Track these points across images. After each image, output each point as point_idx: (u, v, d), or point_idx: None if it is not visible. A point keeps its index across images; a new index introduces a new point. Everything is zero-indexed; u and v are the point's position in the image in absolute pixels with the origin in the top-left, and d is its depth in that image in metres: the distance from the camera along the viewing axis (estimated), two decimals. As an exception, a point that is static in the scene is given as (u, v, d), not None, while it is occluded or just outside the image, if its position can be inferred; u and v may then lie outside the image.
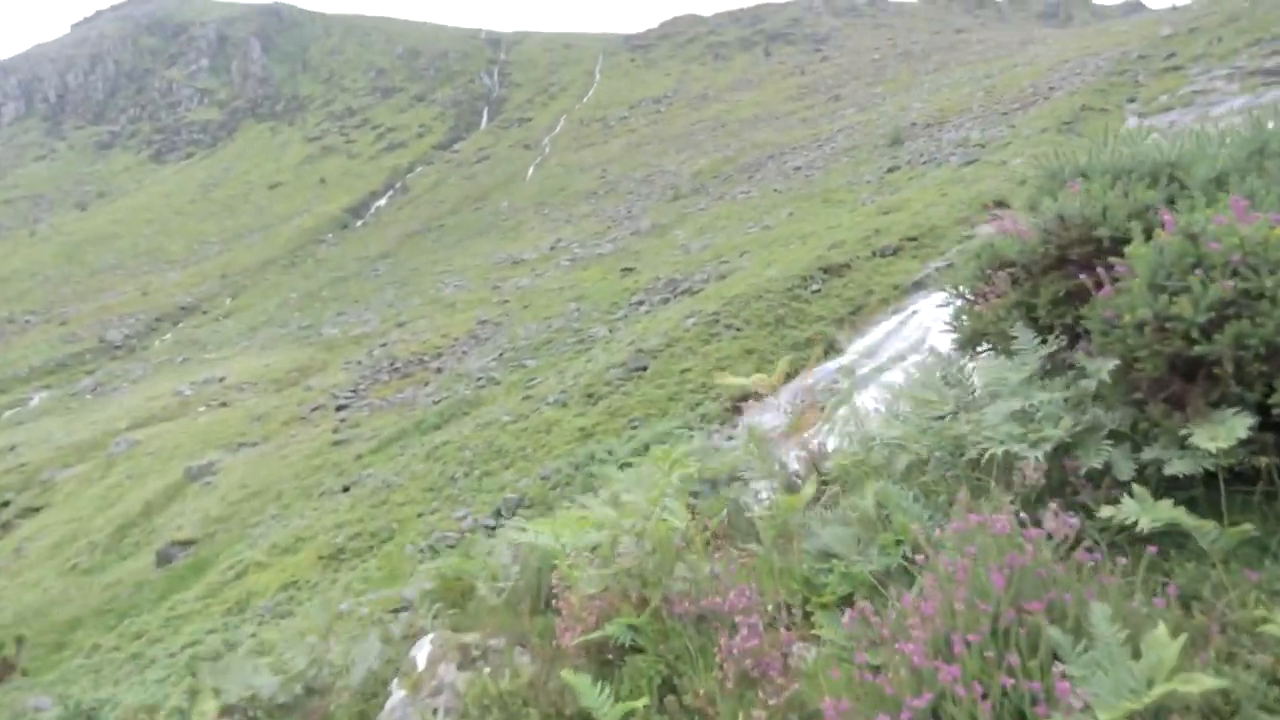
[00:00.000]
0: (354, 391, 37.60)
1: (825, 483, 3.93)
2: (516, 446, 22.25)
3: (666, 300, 33.54)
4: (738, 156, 65.76)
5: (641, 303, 34.84)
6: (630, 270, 41.99)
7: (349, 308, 58.62)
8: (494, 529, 18.13)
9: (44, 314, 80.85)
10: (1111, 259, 2.66)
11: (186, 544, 24.61)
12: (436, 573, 4.86)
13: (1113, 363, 2.51)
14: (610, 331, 32.05)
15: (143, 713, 14.55)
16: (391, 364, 39.71)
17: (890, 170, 43.48)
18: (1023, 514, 2.25)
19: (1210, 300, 2.30)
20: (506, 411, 25.25)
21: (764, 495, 4.40)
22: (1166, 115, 34.17)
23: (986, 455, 2.55)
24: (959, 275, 3.69)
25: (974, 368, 3.41)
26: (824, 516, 2.98)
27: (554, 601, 3.32)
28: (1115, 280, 2.63)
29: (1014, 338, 3.07)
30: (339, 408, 35.93)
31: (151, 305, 77.49)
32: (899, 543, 2.62)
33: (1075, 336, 2.94)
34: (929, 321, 20.70)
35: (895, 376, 17.10)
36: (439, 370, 36.86)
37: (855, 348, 21.26)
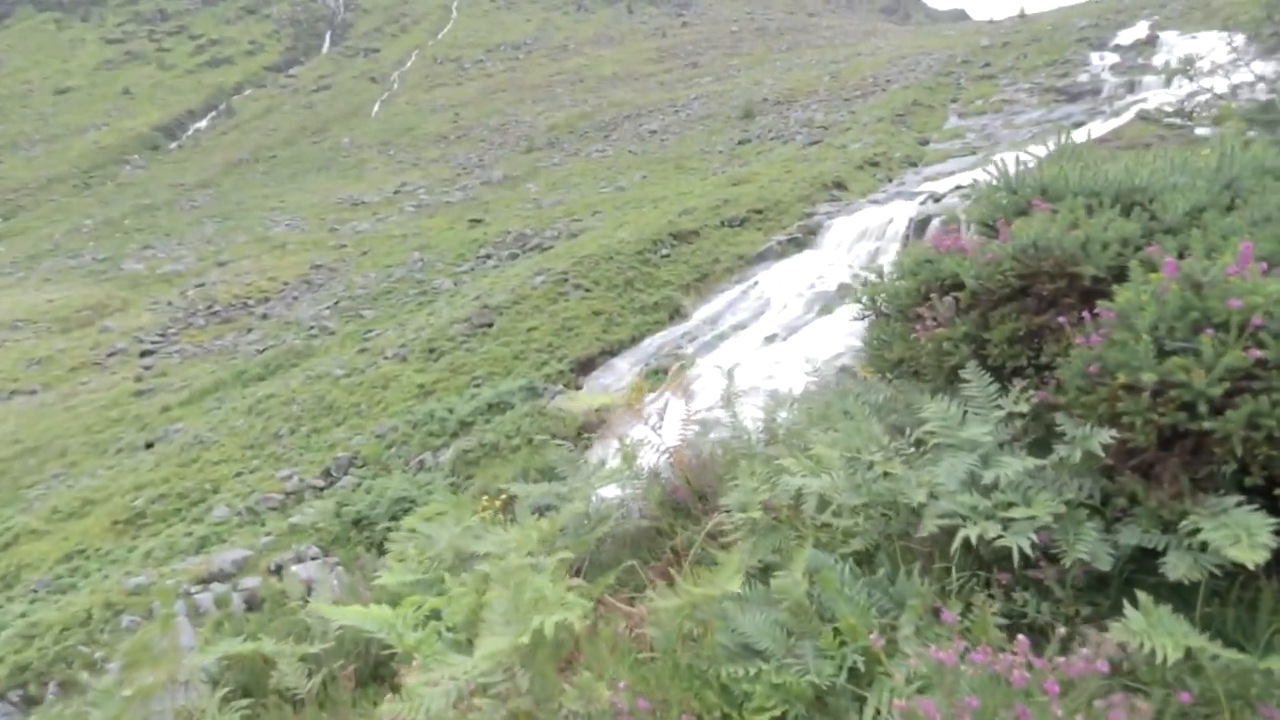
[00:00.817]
0: (162, 335, 33.80)
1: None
2: (350, 402, 21.07)
3: (515, 256, 32.83)
4: (595, 113, 65.05)
5: (489, 256, 33.87)
6: (479, 221, 40.62)
7: (158, 241, 52.23)
8: (324, 490, 17.17)
9: None
10: (1097, 301, 2.22)
11: (-59, 506, 21.18)
12: (226, 655, 3.66)
13: (1107, 434, 2.04)
14: (455, 285, 30.95)
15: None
16: (209, 307, 36.02)
17: (741, 143, 44.87)
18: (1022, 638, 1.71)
19: (1224, 369, 1.93)
20: (340, 364, 23.79)
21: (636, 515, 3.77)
22: (981, 118, 37.79)
23: (959, 539, 2.05)
24: (885, 290, 3.05)
25: (904, 401, 2.85)
26: (742, 597, 2.28)
27: (393, 679, 2.68)
28: (1099, 328, 2.19)
29: (959, 376, 2.54)
30: (143, 353, 32.19)
31: (-105, 223, 64.90)
32: (843, 644, 2.04)
33: (1026, 380, 2.49)
34: (769, 292, 21.81)
35: (773, 384, 17.31)
36: (265, 316, 33.95)
37: (700, 314, 22.00)
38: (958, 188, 24.37)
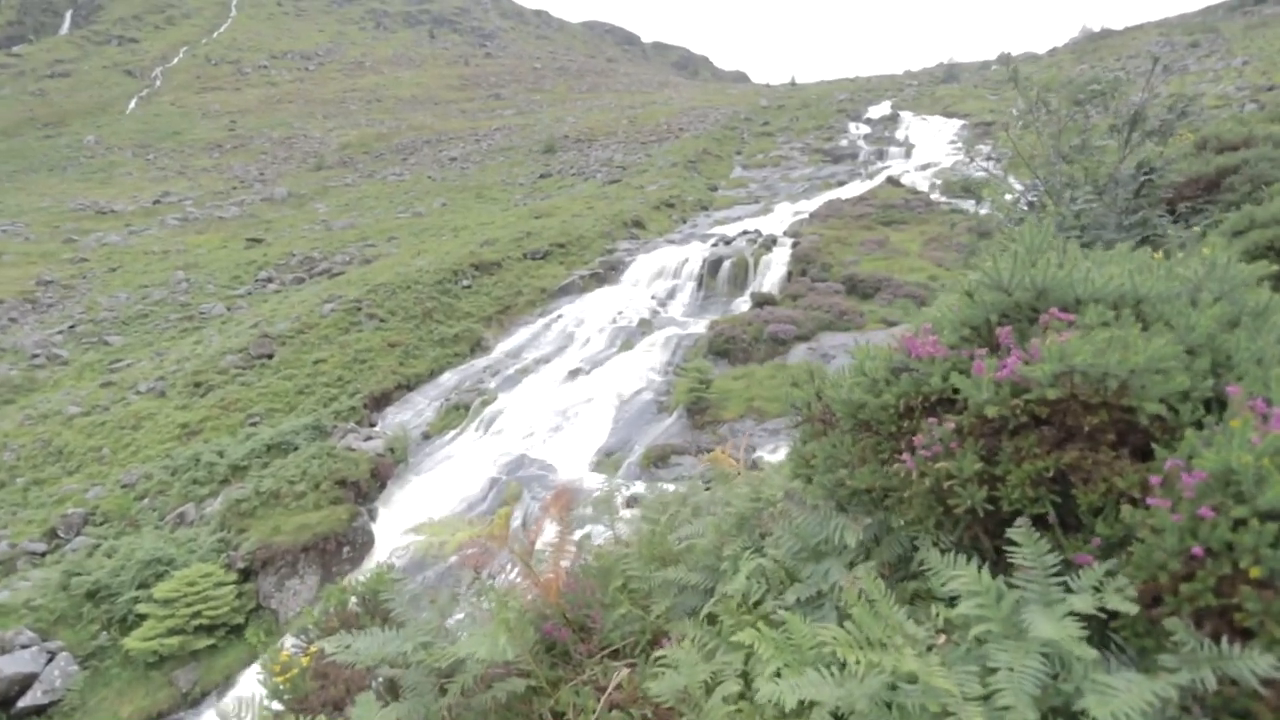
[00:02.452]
0: None
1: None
2: (88, 446, 18.02)
3: (301, 280, 30.35)
4: (392, 135, 62.52)
5: (270, 280, 30.97)
6: (259, 241, 37.08)
7: None
8: (45, 555, 14.45)
9: None
10: (1157, 448, 1.78)
11: None
12: None
13: (1265, 660, 1.42)
14: (229, 310, 27.88)
15: None
16: (-114, 331, 29.14)
17: (543, 176, 45.40)
18: None
19: None
20: (75, 400, 20.33)
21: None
22: (762, 170, 41.61)
23: None
24: (840, 400, 2.41)
25: (892, 550, 2.27)
26: None
27: None
28: (1179, 489, 1.65)
29: (963, 523, 2.04)
30: None
31: None
32: None
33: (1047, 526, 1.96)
34: (572, 326, 22.10)
35: (580, 417, 16.95)
36: (-30, 343, 28.15)
37: (502, 347, 21.71)
38: (744, 233, 26.54)
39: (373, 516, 15.22)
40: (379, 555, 14.27)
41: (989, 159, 30.63)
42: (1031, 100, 4.92)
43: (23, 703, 11.47)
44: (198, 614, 12.67)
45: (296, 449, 16.39)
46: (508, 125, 63.62)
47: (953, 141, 40.69)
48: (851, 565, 2.21)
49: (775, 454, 14.80)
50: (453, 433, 17.90)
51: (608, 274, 25.48)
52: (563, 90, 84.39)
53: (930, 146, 40.19)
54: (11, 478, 16.93)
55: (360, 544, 14.44)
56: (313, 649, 3.23)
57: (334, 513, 14.61)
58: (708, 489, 3.78)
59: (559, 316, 22.94)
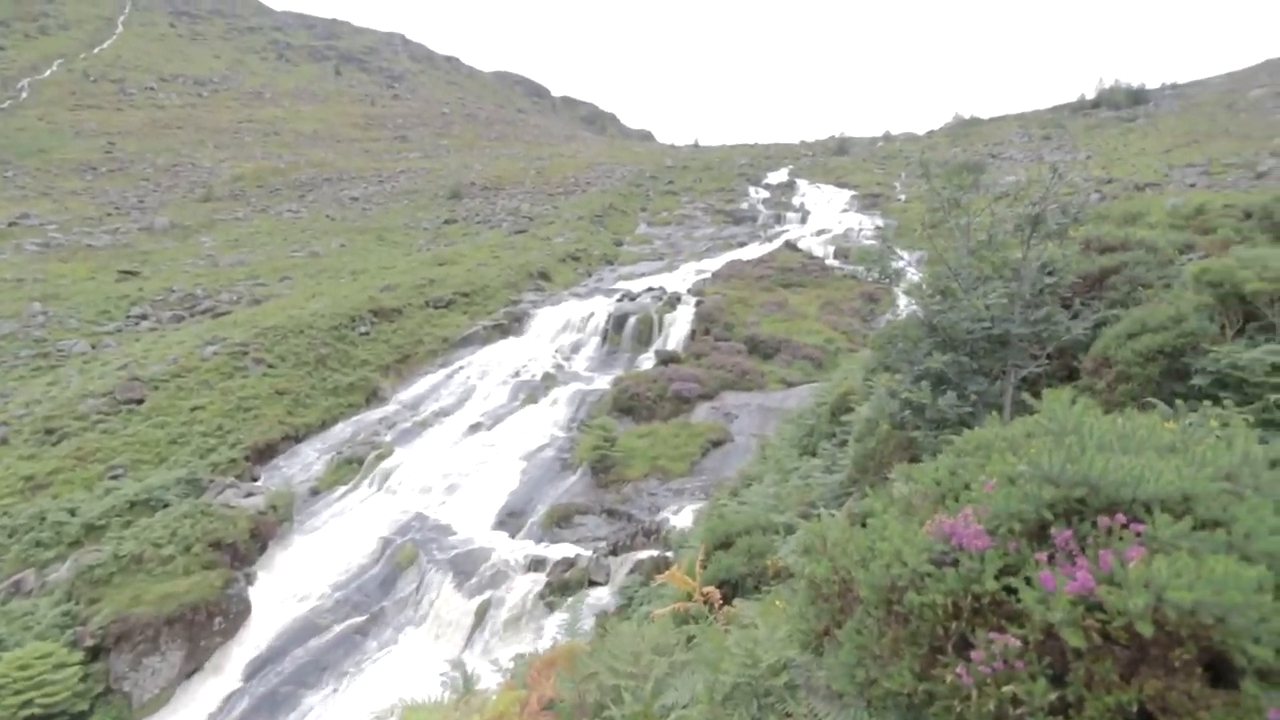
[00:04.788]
0: None
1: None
2: (-92, 500, 15.77)
3: (181, 319, 28.29)
4: (290, 170, 60.22)
5: (145, 316, 28.70)
6: (133, 274, 34.41)
7: None
8: None
9: None
10: (1248, 684, 1.62)
11: None
12: None
13: None
14: (94, 348, 25.53)
15: None
16: None
17: (447, 222, 44.81)
18: None
19: None
20: (-104, 448, 17.83)
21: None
22: (666, 228, 42.75)
23: None
24: (871, 582, 2.18)
25: None
26: None
27: None
28: None
29: None
30: None
31: None
32: None
33: None
34: (474, 378, 21.59)
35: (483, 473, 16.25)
36: None
37: (401, 397, 20.90)
38: (649, 289, 27.01)
39: (250, 581, 14.03)
40: (255, 625, 13.12)
41: (877, 229, 32.76)
42: (943, 198, 5.30)
43: None
44: (29, 702, 11.14)
45: (166, 505, 14.99)
46: (413, 168, 62.69)
47: (844, 209, 43.38)
48: None
49: (679, 515, 14.82)
50: (344, 489, 16.92)
51: (512, 325, 25.21)
52: (471, 137, 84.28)
53: (824, 213, 42.65)
54: None
55: (235, 613, 13.24)
56: None
57: (206, 579, 13.37)
58: (685, 633, 3.39)
59: (461, 368, 22.41)
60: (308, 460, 18.05)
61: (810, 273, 29.41)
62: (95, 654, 11.93)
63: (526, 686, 2.82)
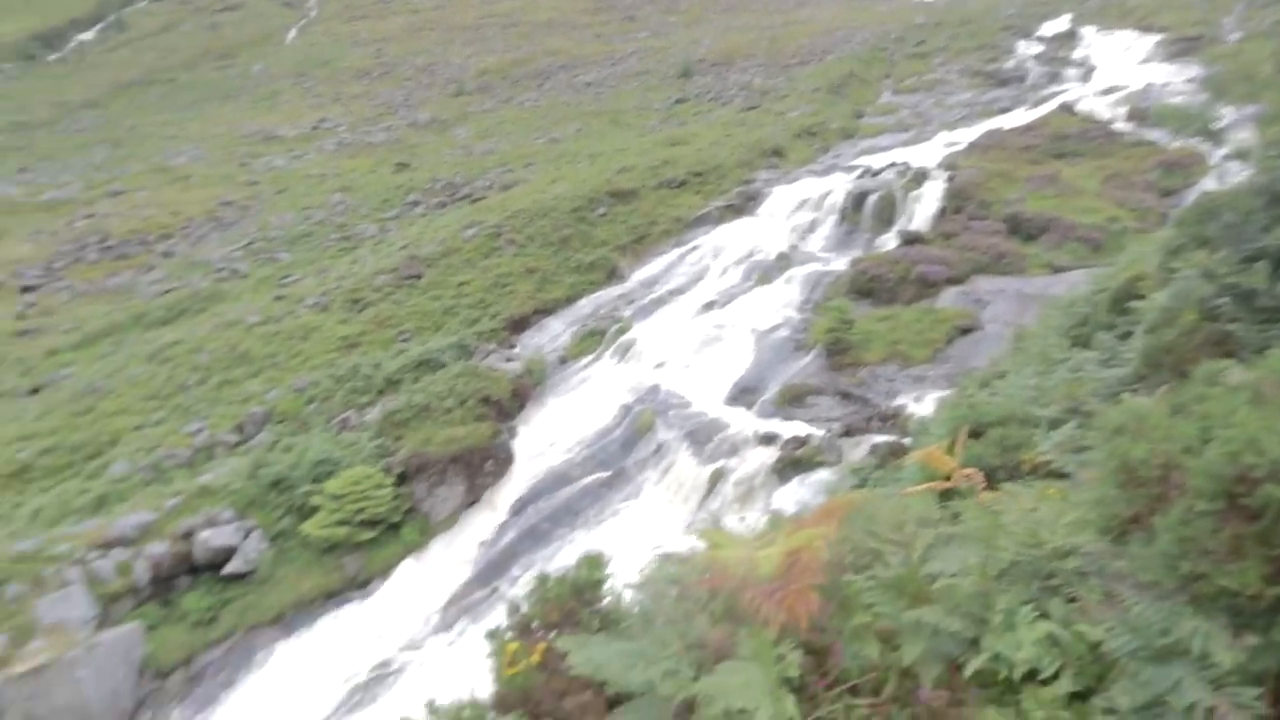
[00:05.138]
0: (47, 270, 30.90)
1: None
2: (265, 352, 19.87)
3: (444, 205, 31.55)
4: (528, 60, 62.73)
5: (417, 203, 32.42)
6: (405, 166, 38.73)
7: (38, 164, 47.45)
8: (237, 446, 16.22)
9: None
10: None
11: None
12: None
13: None
14: (381, 231, 29.51)
15: None
16: (101, 240, 33.09)
17: (678, 101, 44.28)
18: None
19: None
20: (254, 310, 22.37)
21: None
22: (914, 95, 38.51)
23: None
24: (1196, 466, 1.97)
25: None
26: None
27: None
28: None
29: None
30: (24, 289, 29.38)
31: None
32: None
33: None
34: (707, 258, 21.75)
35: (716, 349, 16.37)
36: (167, 254, 31.50)
37: (638, 276, 21.77)
38: (892, 164, 24.84)
39: (513, 434, 15.96)
40: (519, 473, 15.01)
41: (1193, 81, 26.74)
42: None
43: (227, 569, 13.15)
44: (361, 510, 13.88)
45: (444, 366, 17.32)
46: (642, 48, 62.21)
47: (1144, 60, 35.87)
48: (1218, 685, 1.75)
49: (920, 402, 14.09)
50: (588, 358, 18.30)
51: (745, 205, 24.74)
52: (698, 11, 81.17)
53: (1116, 67, 35.62)
54: (207, 376, 19.02)
55: (502, 459, 15.22)
56: (540, 646, 3.10)
57: (478, 429, 15.42)
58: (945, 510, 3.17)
59: (694, 247, 22.63)
60: (555, 332, 19.70)
61: (1091, 140, 25.07)
62: (402, 479, 14.47)
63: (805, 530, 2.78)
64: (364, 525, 13.82)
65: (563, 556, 12.60)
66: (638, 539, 12.52)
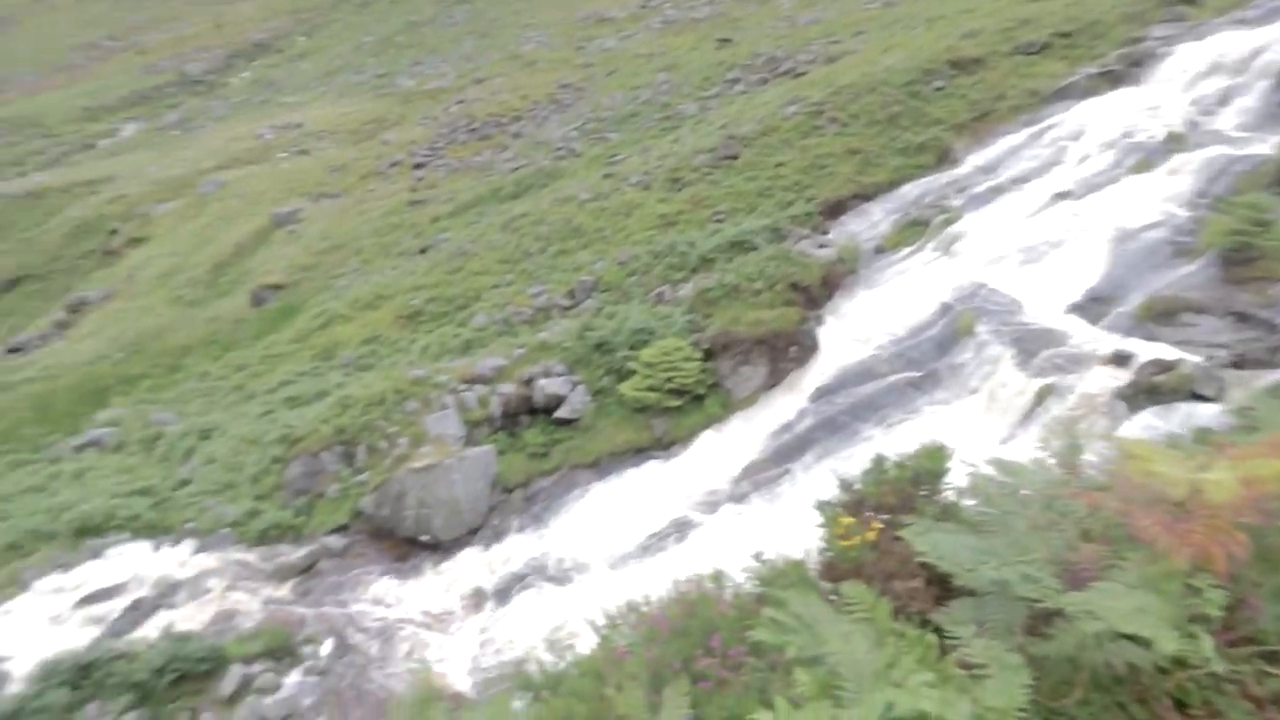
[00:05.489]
0: (431, 150, 36.87)
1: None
2: (594, 227, 21.75)
3: (765, 81, 30.62)
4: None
5: (737, 80, 31.93)
6: (727, 41, 38.11)
7: (425, 57, 55.83)
8: (569, 309, 18.28)
9: (122, 41, 79.67)
10: None
11: (276, 288, 25.84)
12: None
13: None
14: (701, 110, 29.81)
15: (245, 443, 16.11)
16: (469, 124, 38.37)
17: (1050, -56, 36.65)
18: None
19: None
20: (586, 188, 24.43)
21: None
22: None
23: None
24: None
25: None
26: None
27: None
28: None
29: None
30: (416, 165, 35.49)
31: (226, 40, 75.29)
32: None
33: None
34: (1066, 138, 18.41)
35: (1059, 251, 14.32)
36: (517, 135, 35.52)
37: (974, 160, 19.24)
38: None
39: (819, 322, 15.66)
40: (823, 362, 14.80)
41: None
42: None
43: (558, 414, 15.27)
44: (670, 379, 14.92)
45: (755, 248, 17.37)
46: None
47: None
48: None
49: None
50: (907, 249, 16.98)
51: (1127, 71, 20.09)
52: None
53: None
54: (547, 246, 21.53)
55: (806, 346, 15.10)
56: (876, 526, 3.04)
57: (785, 313, 15.39)
58: None
59: (1050, 126, 19.18)
60: (874, 219, 18.48)
61: None
62: (708, 355, 15.17)
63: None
64: (672, 393, 14.90)
65: (861, 451, 12.35)
66: (947, 438, 11.75)
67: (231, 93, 63.55)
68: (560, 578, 13.01)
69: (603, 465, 14.83)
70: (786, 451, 13.54)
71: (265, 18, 79.65)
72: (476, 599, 12.96)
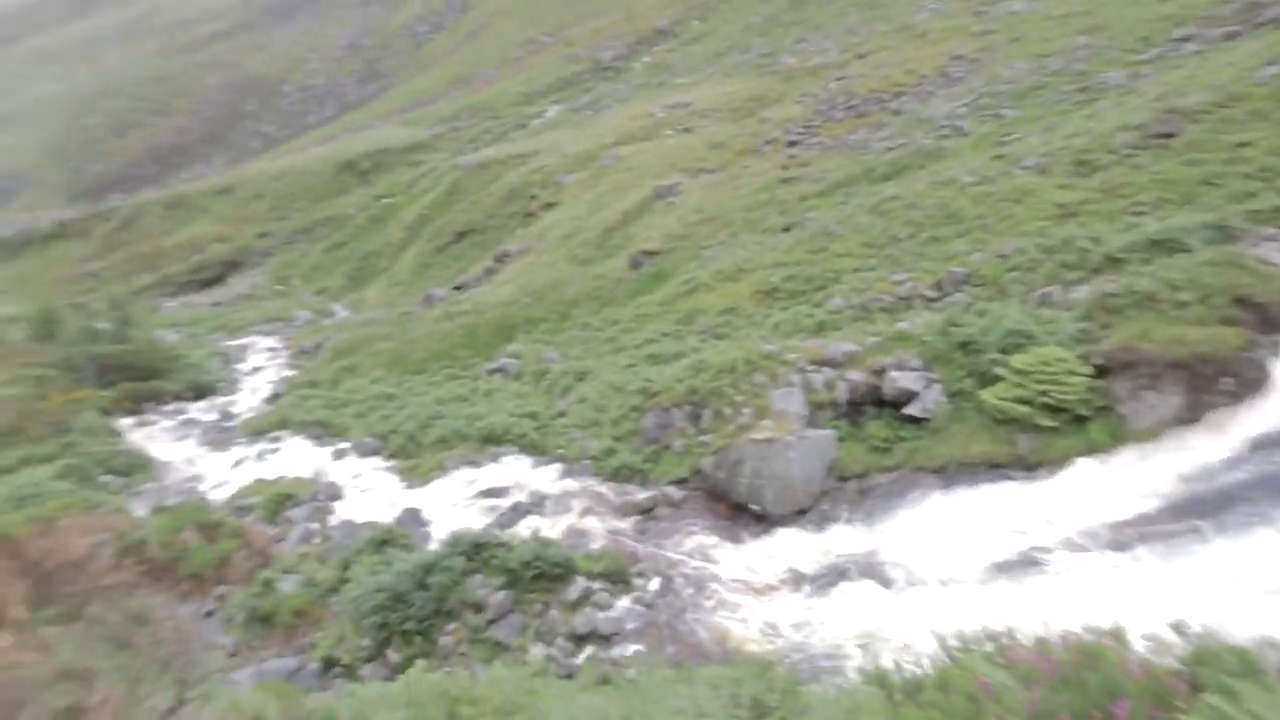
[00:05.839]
0: (806, 127, 36.94)
1: None
2: (975, 213, 19.76)
3: (1234, 35, 24.39)
4: None
5: (1189, 38, 25.98)
6: (1181, -8, 31.09)
7: (809, 34, 55.82)
8: (934, 301, 17.02)
9: (554, 36, 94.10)
10: None
11: (652, 254, 28.55)
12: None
13: None
14: (1130, 79, 24.96)
15: (611, 389, 18.22)
16: (847, 101, 37.51)
17: None
18: None
19: None
20: (969, 170, 22.26)
21: None
22: None
23: None
24: None
25: None
26: None
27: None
28: None
29: None
30: (790, 143, 35.91)
31: (634, 28, 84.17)
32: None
33: None
34: None
35: None
36: (897, 112, 33.72)
37: None
38: None
39: (1275, 351, 12.22)
40: (1273, 403, 11.57)
41: None
42: None
43: (907, 410, 14.45)
44: (1046, 393, 13.05)
45: (1187, 250, 14.14)
46: None
47: None
48: None
49: None
50: None
51: None
52: None
53: None
54: (917, 232, 20.22)
55: (1248, 379, 11.94)
56: None
57: (1220, 334, 12.33)
58: None
59: None
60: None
61: None
62: (1100, 372, 12.89)
63: None
64: (1046, 408, 13.01)
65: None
66: None
67: (634, 76, 71.09)
68: (885, 580, 12.42)
69: (950, 474, 13.66)
70: (1198, 505, 10.96)
71: (667, 5, 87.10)
72: (794, 577, 13.04)
